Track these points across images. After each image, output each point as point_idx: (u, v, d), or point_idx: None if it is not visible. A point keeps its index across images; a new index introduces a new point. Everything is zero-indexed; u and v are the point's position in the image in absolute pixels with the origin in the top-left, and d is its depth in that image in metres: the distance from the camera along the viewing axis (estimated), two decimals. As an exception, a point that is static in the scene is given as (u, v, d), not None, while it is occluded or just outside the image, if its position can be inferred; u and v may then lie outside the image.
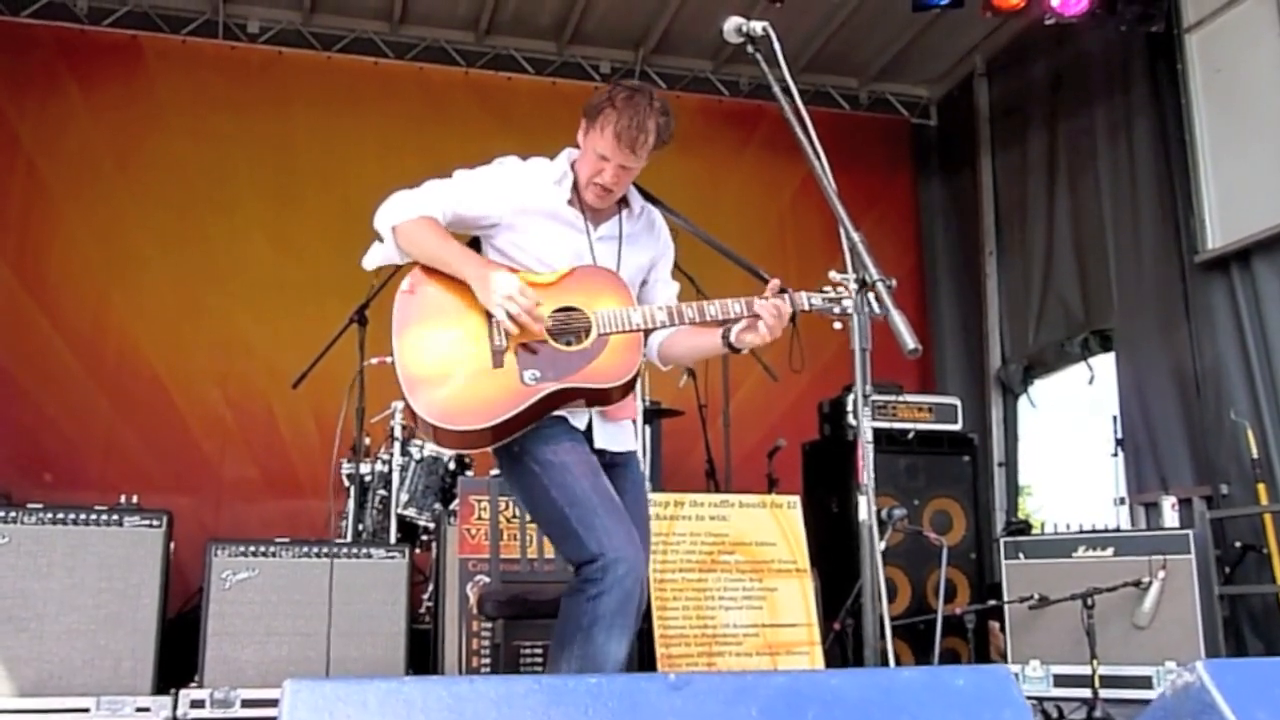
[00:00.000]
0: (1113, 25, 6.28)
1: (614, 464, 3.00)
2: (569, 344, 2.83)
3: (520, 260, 2.94)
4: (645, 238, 3.12)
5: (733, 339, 2.91)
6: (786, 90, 2.56)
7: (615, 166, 2.89)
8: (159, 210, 7.16)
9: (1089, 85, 7.12)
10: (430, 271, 2.88)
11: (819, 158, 2.44)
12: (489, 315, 2.81)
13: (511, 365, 2.78)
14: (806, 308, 2.83)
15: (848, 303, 2.74)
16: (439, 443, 2.88)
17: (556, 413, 2.85)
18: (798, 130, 2.47)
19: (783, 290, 2.83)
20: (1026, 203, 7.73)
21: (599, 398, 2.88)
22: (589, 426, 2.95)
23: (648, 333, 2.96)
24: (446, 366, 2.79)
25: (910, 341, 2.15)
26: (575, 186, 2.99)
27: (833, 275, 2.48)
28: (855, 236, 2.36)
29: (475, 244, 3.06)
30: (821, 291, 2.81)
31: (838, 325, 2.78)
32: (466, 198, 2.93)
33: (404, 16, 7.70)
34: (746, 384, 6.60)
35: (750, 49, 2.70)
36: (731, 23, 2.74)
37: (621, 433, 3.06)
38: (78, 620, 4.37)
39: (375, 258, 2.97)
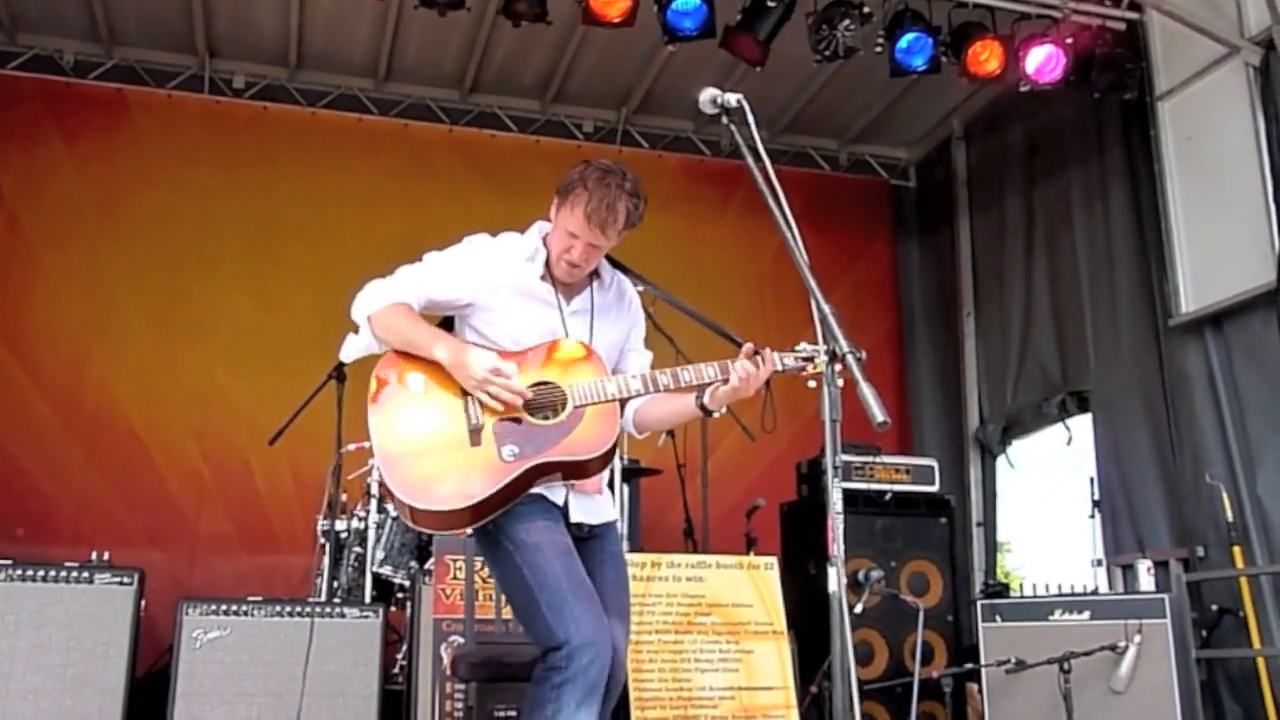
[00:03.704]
0: (1087, 93, 6.40)
1: (592, 535, 3.00)
2: (545, 418, 2.83)
3: (494, 338, 2.96)
4: (616, 309, 3.14)
5: (706, 400, 2.93)
6: (760, 162, 2.58)
7: (584, 244, 2.92)
8: (141, 264, 7.18)
9: (1064, 150, 7.24)
10: (402, 355, 2.90)
11: (790, 228, 2.46)
12: (463, 394, 2.82)
13: (489, 442, 2.78)
14: (780, 368, 2.85)
15: (821, 360, 2.78)
16: (417, 524, 2.85)
17: (533, 489, 2.85)
18: (770, 201, 2.50)
19: (756, 352, 2.85)
20: (1004, 264, 7.82)
21: (577, 470, 2.87)
22: (565, 501, 2.95)
23: (623, 402, 2.97)
24: (423, 448, 2.79)
25: (879, 415, 2.17)
26: (547, 262, 3.01)
27: (804, 347, 2.50)
28: (826, 308, 2.38)
29: (448, 323, 3.08)
30: (794, 351, 2.83)
31: (812, 384, 2.77)
32: (438, 282, 2.95)
33: (389, 73, 7.78)
34: (725, 443, 6.60)
35: (725, 120, 2.73)
36: (707, 94, 2.75)
37: (597, 505, 3.05)
38: (44, 680, 4.31)
39: (353, 349, 2.98)
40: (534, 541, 2.79)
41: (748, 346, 2.86)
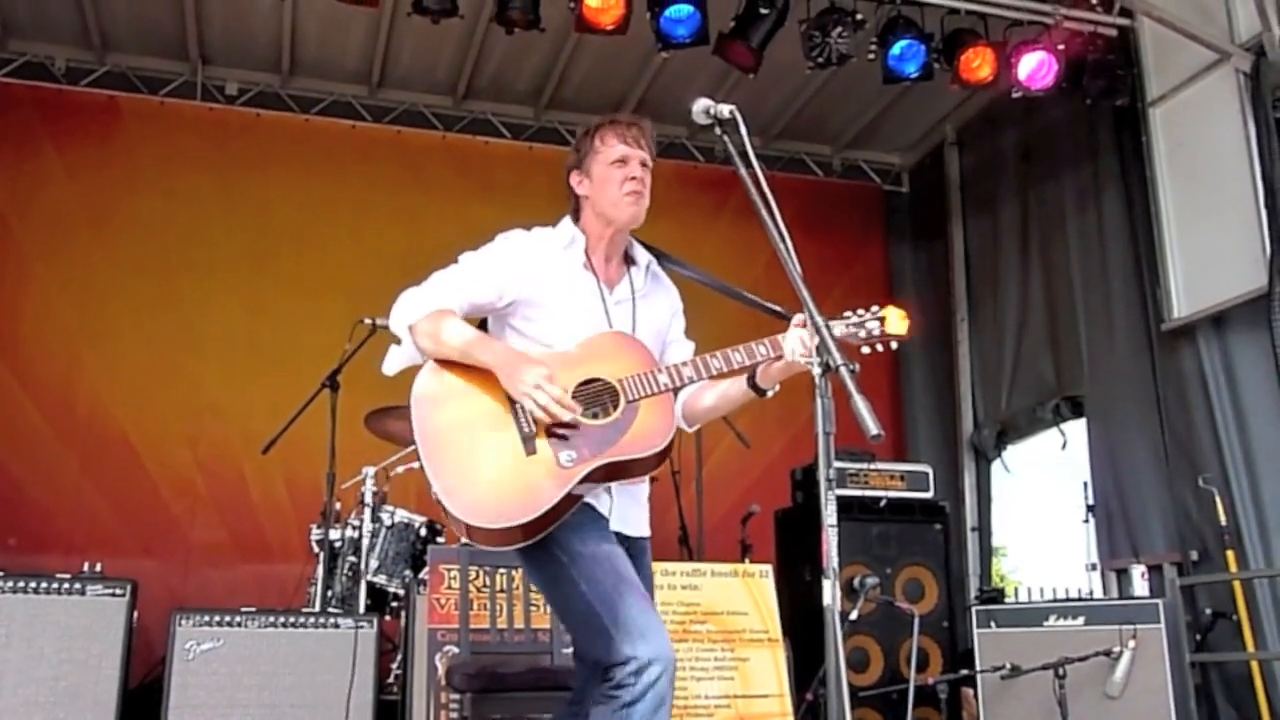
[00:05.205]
0: (1079, 99, 6.42)
1: (629, 553, 2.83)
2: (597, 416, 2.70)
3: (537, 335, 2.85)
4: (656, 292, 3.03)
5: (758, 379, 2.82)
6: (752, 169, 2.56)
7: (637, 162, 2.88)
8: (134, 272, 7.16)
9: (1057, 156, 7.25)
10: (443, 364, 2.75)
11: (784, 241, 2.45)
12: (512, 402, 2.68)
13: (545, 450, 2.64)
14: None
15: (873, 325, 2.78)
16: (474, 540, 2.68)
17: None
18: (763, 214, 2.49)
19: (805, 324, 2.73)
20: (998, 270, 7.83)
21: (635, 470, 2.73)
22: (609, 510, 2.82)
23: (676, 392, 2.83)
24: (477, 462, 2.65)
25: (873, 428, 2.14)
26: (586, 250, 2.91)
27: (851, 313, 2.44)
28: (819, 321, 2.36)
29: (482, 326, 2.94)
30: (844, 318, 2.80)
31: (865, 350, 2.79)
32: (478, 283, 2.81)
33: (382, 80, 7.78)
34: (719, 450, 6.60)
35: (718, 131, 2.71)
36: (699, 105, 2.72)
37: (638, 510, 2.93)
38: (36, 693, 4.28)
39: (395, 361, 2.82)
40: (590, 552, 2.66)
41: (798, 318, 2.74)
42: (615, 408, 2.72)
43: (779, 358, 2.75)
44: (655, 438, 2.70)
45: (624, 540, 2.84)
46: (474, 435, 2.67)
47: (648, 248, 3.05)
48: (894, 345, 2.85)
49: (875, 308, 2.86)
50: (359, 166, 7.71)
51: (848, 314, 2.83)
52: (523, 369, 2.65)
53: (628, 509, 2.87)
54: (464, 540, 2.77)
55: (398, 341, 2.80)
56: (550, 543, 2.66)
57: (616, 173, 2.88)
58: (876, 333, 2.82)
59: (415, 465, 2.77)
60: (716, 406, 2.98)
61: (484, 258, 2.86)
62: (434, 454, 2.66)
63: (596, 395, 2.73)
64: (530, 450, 2.64)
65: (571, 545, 2.67)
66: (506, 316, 2.88)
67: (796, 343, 2.70)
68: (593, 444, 2.66)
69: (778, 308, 2.92)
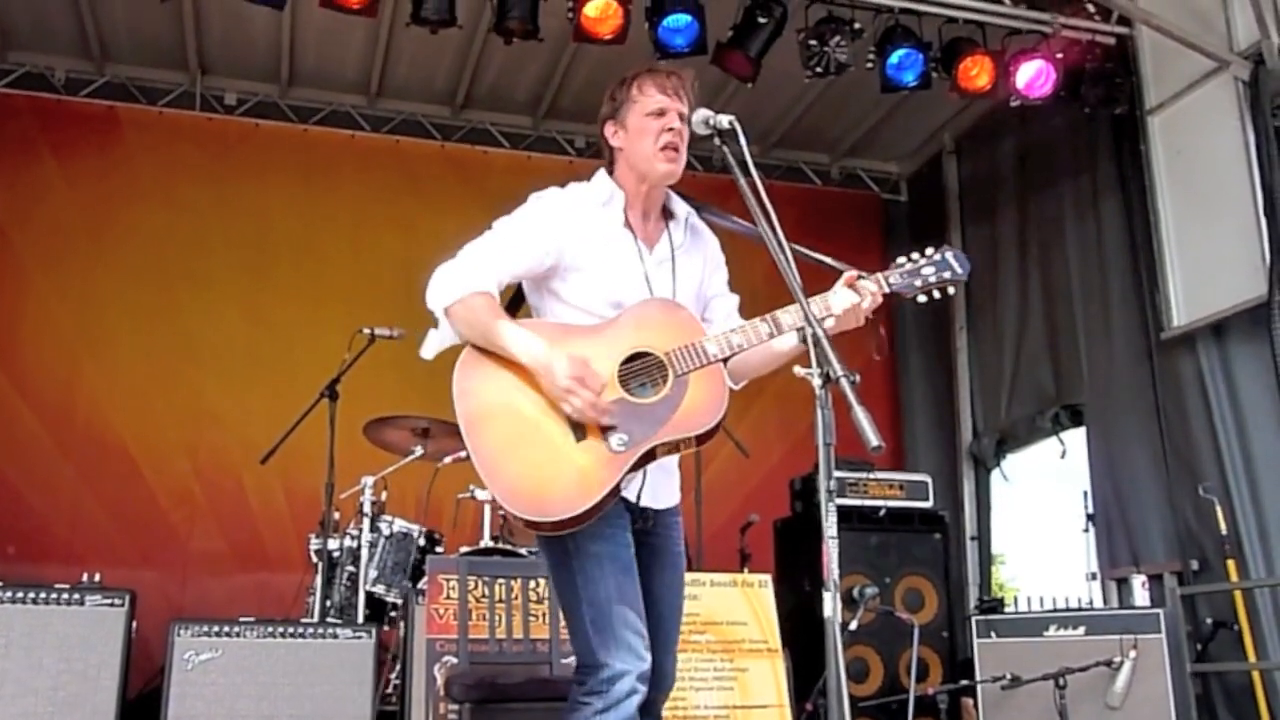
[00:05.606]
0: (1077, 107, 6.44)
1: (655, 528, 2.79)
2: (648, 394, 2.59)
3: (578, 301, 2.75)
4: (695, 246, 2.92)
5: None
6: (751, 183, 2.55)
7: (674, 114, 2.76)
8: (133, 282, 7.16)
9: (1056, 164, 7.26)
10: (483, 351, 2.66)
11: (784, 252, 2.45)
12: None
13: (595, 435, 2.55)
14: (887, 289, 2.73)
15: (928, 270, 2.74)
16: (534, 529, 2.63)
17: None
18: (764, 225, 2.48)
19: (860, 278, 2.70)
20: (997, 278, 7.82)
21: (686, 446, 2.63)
22: (640, 488, 2.72)
23: (725, 360, 2.69)
24: (526, 454, 2.55)
25: (874, 439, 2.13)
26: (625, 208, 2.80)
27: (797, 371, 2.47)
28: (819, 331, 2.36)
29: (519, 294, 2.87)
30: (897, 266, 2.75)
31: (922, 299, 2.74)
32: (517, 253, 2.71)
33: (381, 90, 7.78)
34: (718, 459, 6.58)
35: (717, 140, 2.70)
36: (699, 114, 2.70)
37: (668, 479, 2.83)
38: (34, 703, 4.25)
39: (434, 344, 2.70)
40: (594, 551, 2.59)
41: (849, 274, 2.70)
42: (665, 383, 2.60)
43: (833, 316, 2.67)
44: (708, 413, 2.58)
45: (653, 514, 2.77)
46: (520, 420, 2.58)
47: (686, 199, 2.96)
48: (950, 291, 2.79)
49: (930, 250, 2.79)
50: (358, 176, 7.72)
51: (901, 261, 2.77)
52: (557, 367, 2.54)
53: (659, 482, 2.78)
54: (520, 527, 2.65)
55: (435, 322, 2.70)
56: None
57: (653, 124, 2.77)
58: (933, 279, 2.77)
59: (462, 454, 2.67)
60: (764, 364, 2.87)
61: (519, 224, 2.75)
62: (478, 439, 2.57)
63: (645, 370, 2.62)
64: (580, 437, 2.55)
65: (579, 539, 2.59)
66: (545, 280, 2.77)
67: (847, 299, 2.66)
68: (645, 424, 2.55)
69: (828, 259, 2.85)
